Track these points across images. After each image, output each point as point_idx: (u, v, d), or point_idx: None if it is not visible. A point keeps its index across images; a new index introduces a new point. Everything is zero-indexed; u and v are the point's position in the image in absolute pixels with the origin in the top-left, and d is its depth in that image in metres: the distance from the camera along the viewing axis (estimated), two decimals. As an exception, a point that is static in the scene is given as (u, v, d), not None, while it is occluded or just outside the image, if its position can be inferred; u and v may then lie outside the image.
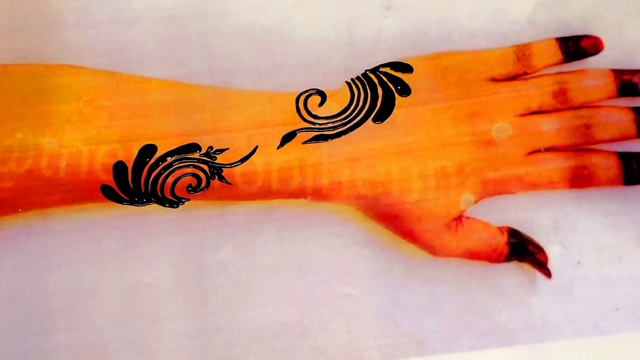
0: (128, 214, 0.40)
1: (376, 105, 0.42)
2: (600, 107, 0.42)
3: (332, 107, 0.42)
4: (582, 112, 0.41)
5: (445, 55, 0.43)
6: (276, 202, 0.40)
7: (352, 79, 0.42)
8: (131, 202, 0.40)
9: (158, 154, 0.41)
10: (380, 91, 0.42)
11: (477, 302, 0.39)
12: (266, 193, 0.40)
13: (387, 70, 0.42)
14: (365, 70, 0.43)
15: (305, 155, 0.41)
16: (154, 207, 0.40)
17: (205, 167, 0.41)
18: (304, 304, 0.39)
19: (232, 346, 0.38)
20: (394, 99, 0.42)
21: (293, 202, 0.40)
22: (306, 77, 0.43)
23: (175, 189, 0.40)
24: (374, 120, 0.41)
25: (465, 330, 0.38)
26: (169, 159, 0.40)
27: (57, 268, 0.39)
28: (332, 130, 0.41)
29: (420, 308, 0.38)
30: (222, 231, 0.40)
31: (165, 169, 0.41)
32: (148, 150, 0.40)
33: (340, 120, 0.42)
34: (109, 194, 0.40)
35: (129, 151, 0.40)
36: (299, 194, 0.40)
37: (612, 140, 0.41)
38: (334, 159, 0.41)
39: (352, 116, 0.42)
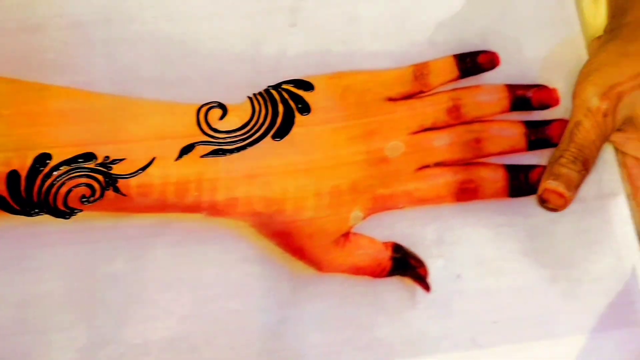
0: (20, 225, 0.40)
1: (276, 122, 0.42)
2: (492, 121, 0.43)
3: (233, 121, 0.42)
4: (474, 126, 0.42)
5: (345, 75, 0.43)
6: (171, 216, 0.41)
7: (254, 95, 0.43)
8: (23, 213, 0.40)
9: (52, 163, 0.41)
10: (281, 108, 0.42)
11: (359, 317, 0.39)
12: (161, 206, 0.41)
13: (289, 87, 0.43)
14: (268, 87, 0.43)
15: (202, 170, 0.41)
16: (46, 217, 0.40)
17: (100, 177, 0.41)
18: (191, 319, 0.39)
19: (117, 360, 0.39)
20: (294, 117, 0.42)
21: (188, 216, 0.41)
22: (209, 90, 0.43)
23: (69, 200, 0.40)
24: (274, 137, 0.42)
25: (345, 344, 0.39)
26: (63, 168, 0.40)
27: (-53, 278, 0.39)
28: (231, 145, 0.42)
29: (304, 323, 0.39)
30: (115, 244, 0.40)
31: (58, 178, 0.40)
32: (42, 159, 0.40)
33: (240, 135, 0.42)
34: (0, 204, 0.40)
35: (24, 160, 0.40)
36: (194, 208, 0.41)
37: (502, 153, 0.42)
38: (232, 175, 0.41)
39: (251, 132, 0.42)
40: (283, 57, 0.44)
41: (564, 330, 0.38)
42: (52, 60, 0.42)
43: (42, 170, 0.40)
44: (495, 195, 0.41)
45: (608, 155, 0.41)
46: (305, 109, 0.42)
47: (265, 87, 0.43)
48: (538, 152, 0.42)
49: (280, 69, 0.44)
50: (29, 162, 0.40)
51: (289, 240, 0.40)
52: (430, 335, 0.39)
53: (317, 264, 0.40)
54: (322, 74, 0.44)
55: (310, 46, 0.44)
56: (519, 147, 0.42)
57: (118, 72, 0.43)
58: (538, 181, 0.40)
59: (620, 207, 0.40)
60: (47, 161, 0.40)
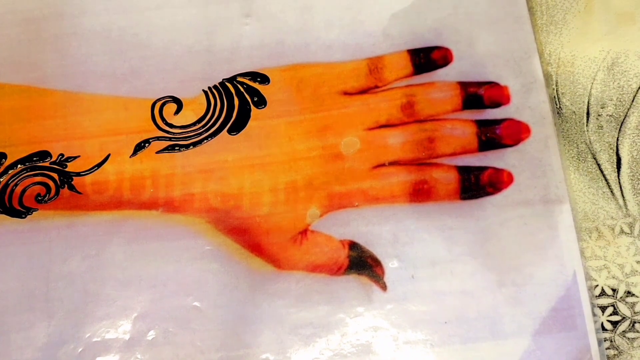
0: (-27, 225, 0.40)
1: (232, 116, 0.42)
2: (445, 120, 0.43)
3: (188, 115, 0.42)
4: (427, 125, 0.43)
5: (301, 67, 0.44)
6: (127, 213, 0.41)
7: (209, 88, 0.43)
8: (-23, 213, 0.40)
9: (7, 162, 0.40)
10: (236, 102, 0.43)
11: (316, 315, 0.40)
12: (117, 203, 0.41)
13: (245, 80, 0.43)
14: (223, 79, 0.43)
15: (158, 165, 0.41)
16: (0, 217, 0.40)
17: (55, 175, 0.41)
18: (150, 316, 0.40)
19: (77, 359, 0.39)
20: (250, 110, 0.42)
21: (144, 213, 0.41)
22: (163, 83, 0.43)
23: (24, 199, 0.40)
24: (229, 131, 0.42)
25: (302, 342, 0.40)
26: (18, 167, 0.40)
27: None
28: (186, 140, 0.42)
29: (261, 321, 0.40)
30: (71, 242, 0.40)
31: (13, 177, 0.40)
32: (-3, 158, 0.40)
33: (196, 130, 0.42)
34: (-46, 205, 0.39)
35: (-22, 160, 0.40)
36: (150, 205, 0.41)
37: (454, 154, 0.43)
38: (187, 170, 0.41)
39: (207, 126, 0.42)
40: (237, 48, 0.44)
41: (509, 332, 0.40)
42: (4, 58, 0.41)
43: (-3, 169, 0.40)
44: (448, 196, 0.42)
45: (554, 161, 0.42)
46: (261, 102, 0.43)
47: (220, 79, 0.43)
48: (489, 154, 0.43)
49: (234, 60, 0.43)
50: (-17, 161, 0.40)
51: (246, 236, 0.41)
52: (383, 335, 0.40)
53: (275, 261, 0.41)
54: (277, 65, 0.43)
55: (265, 37, 0.44)
56: (471, 147, 0.43)
57: (70, 67, 0.42)
58: (489, 183, 0.41)
59: (565, 213, 0.41)
60: (3, 160, 0.40)
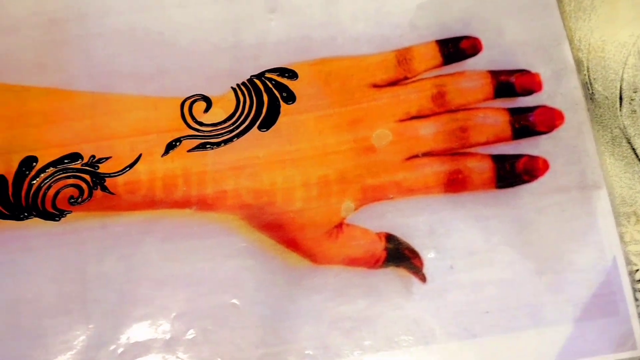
0: (7, 229, 0.40)
1: (261, 113, 0.42)
2: (477, 109, 0.43)
3: (218, 113, 0.42)
4: (459, 114, 0.43)
5: (328, 61, 0.43)
6: (160, 213, 0.41)
7: (237, 85, 0.43)
8: (12, 217, 0.40)
9: (39, 166, 0.40)
10: (265, 98, 0.42)
11: (355, 309, 0.40)
12: (150, 203, 0.41)
13: (273, 76, 0.43)
14: (251, 76, 0.43)
15: (189, 164, 0.41)
16: (34, 220, 0.40)
17: (87, 177, 0.41)
18: (188, 315, 0.40)
19: (117, 360, 0.39)
20: (279, 106, 0.42)
21: (177, 212, 0.41)
22: (190, 82, 0.43)
23: (57, 201, 0.40)
24: (260, 127, 0.42)
25: (342, 336, 0.40)
26: (50, 170, 0.40)
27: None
28: (217, 137, 0.42)
29: (300, 316, 0.40)
30: (105, 243, 0.40)
31: (46, 180, 0.40)
32: (28, 162, 0.40)
33: (226, 127, 0.42)
34: (-11, 210, 0.39)
35: (9, 164, 0.40)
36: (183, 203, 0.41)
37: (487, 143, 0.43)
38: (219, 168, 0.41)
39: (237, 123, 0.42)
40: (264, 44, 0.43)
41: (551, 319, 0.39)
42: (29, 60, 0.41)
43: (29, 173, 0.40)
44: (483, 186, 0.42)
45: (589, 146, 0.42)
46: (290, 97, 0.42)
47: (247, 76, 0.43)
48: (523, 142, 0.42)
49: (261, 56, 0.43)
50: (15, 165, 0.40)
51: (281, 232, 0.41)
52: (425, 326, 0.40)
53: (311, 256, 0.41)
54: (304, 60, 0.43)
55: (291, 32, 0.44)
56: (504, 135, 0.42)
57: (96, 68, 0.42)
58: (524, 171, 0.41)
59: (602, 199, 0.41)
60: (34, 164, 0.40)
